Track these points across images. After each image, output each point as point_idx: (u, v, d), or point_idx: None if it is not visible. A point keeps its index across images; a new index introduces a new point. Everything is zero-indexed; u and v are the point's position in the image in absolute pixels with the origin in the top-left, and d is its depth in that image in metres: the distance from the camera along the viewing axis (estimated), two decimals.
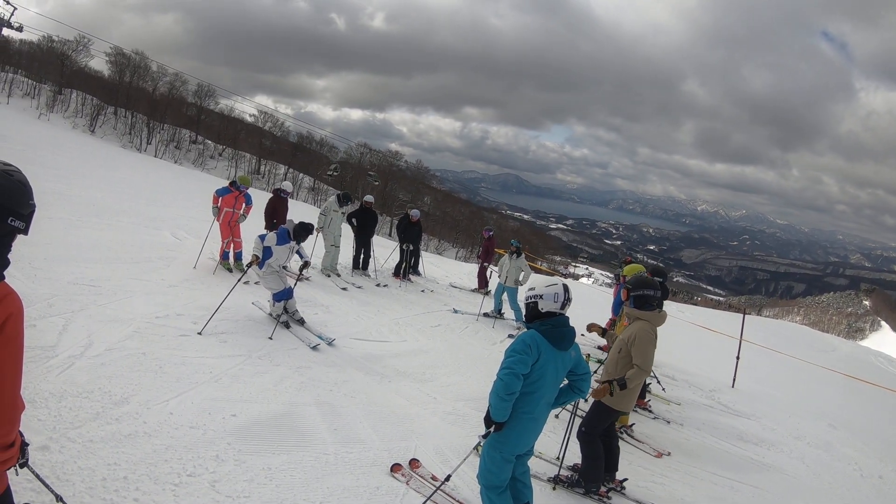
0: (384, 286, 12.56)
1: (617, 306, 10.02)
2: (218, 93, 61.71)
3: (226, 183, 11.08)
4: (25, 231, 2.17)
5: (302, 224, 8.18)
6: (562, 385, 4.08)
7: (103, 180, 20.85)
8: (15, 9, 22.29)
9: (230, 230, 10.43)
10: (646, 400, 8.03)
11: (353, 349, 7.94)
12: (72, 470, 3.98)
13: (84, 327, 6.40)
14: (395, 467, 4.95)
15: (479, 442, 3.99)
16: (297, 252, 8.38)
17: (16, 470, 2.46)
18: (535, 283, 4.04)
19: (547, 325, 3.85)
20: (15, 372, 2.06)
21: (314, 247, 12.30)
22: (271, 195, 12.22)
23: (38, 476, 3.10)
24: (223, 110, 64.08)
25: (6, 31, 22.97)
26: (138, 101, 57.18)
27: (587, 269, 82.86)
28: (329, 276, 11.99)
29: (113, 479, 3.98)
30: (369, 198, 13.63)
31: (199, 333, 7.00)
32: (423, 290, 13.07)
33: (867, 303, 75.84)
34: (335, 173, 50.36)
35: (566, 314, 3.97)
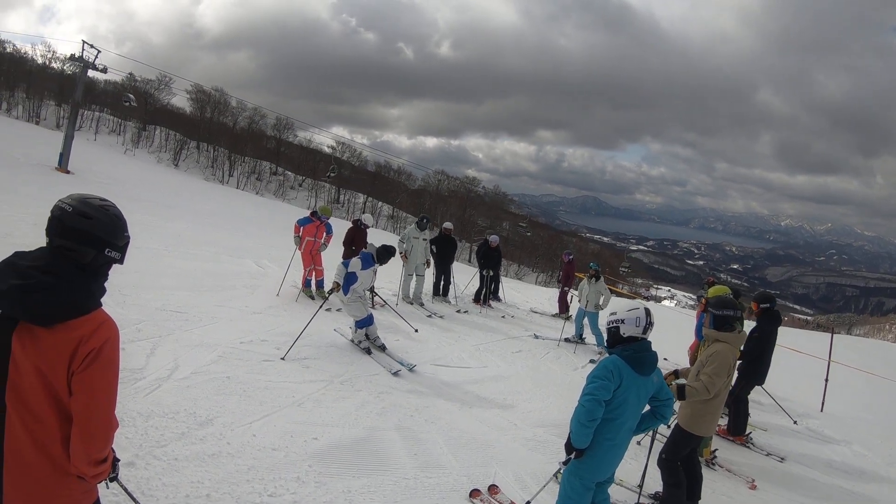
0: (465, 312, 12.66)
1: (700, 330, 9.69)
2: (296, 125, 64.61)
3: (307, 213, 11.53)
4: (121, 261, 2.38)
5: (385, 247, 8.43)
6: (644, 411, 4.10)
7: (188, 212, 22.17)
8: (99, 51, 24.30)
9: (311, 258, 10.84)
10: (747, 434, 7.67)
11: (434, 375, 8.04)
12: (156, 486, 4.21)
13: (171, 351, 6.79)
14: (474, 493, 4.99)
15: (560, 468, 4.03)
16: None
17: (106, 484, 2.62)
18: (617, 308, 4.10)
19: (629, 350, 3.90)
20: (111, 392, 2.23)
21: (401, 275, 12.61)
22: (351, 225, 12.57)
23: (126, 490, 3.31)
24: (301, 142, 66.92)
25: (91, 73, 25.04)
26: (219, 135, 60.55)
27: (669, 290, 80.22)
28: (412, 303, 12.17)
29: (196, 497, 4.18)
30: (448, 225, 13.82)
31: (283, 359, 7.29)
32: (503, 316, 13.09)
33: None
34: (333, 174, 51.06)
35: (648, 338, 4.02)
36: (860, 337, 42.51)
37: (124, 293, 8.39)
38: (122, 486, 3.17)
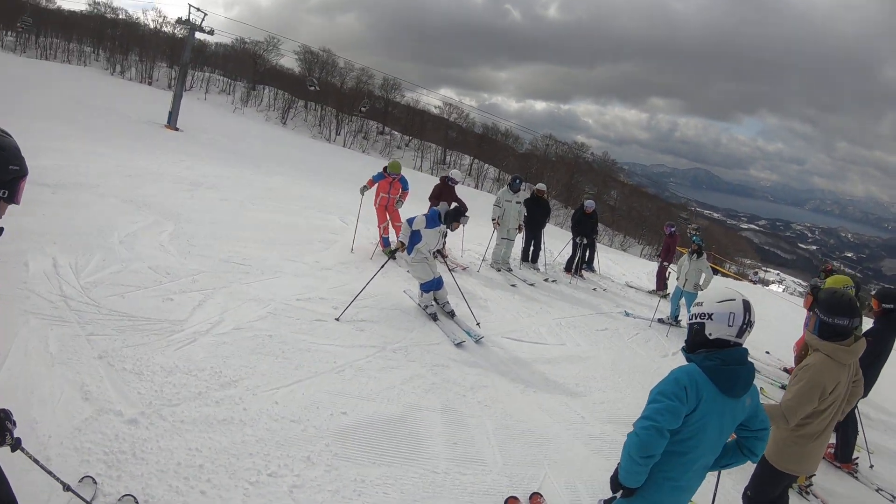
0: (553, 281, 11.80)
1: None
2: (403, 86, 64.50)
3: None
4: (8, 198, 2.25)
5: (456, 209, 7.76)
6: (727, 441, 3.05)
7: (287, 167, 22.45)
8: (205, 14, 25.27)
9: (386, 214, 10.34)
10: (854, 460, 6.32)
11: (502, 350, 7.31)
12: (151, 449, 3.87)
13: (220, 305, 6.50)
14: (510, 501, 4.24)
15: None
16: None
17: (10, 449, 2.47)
18: (705, 297, 3.02)
19: (715, 359, 2.85)
20: None
21: (490, 239, 11.92)
22: (438, 181, 11.96)
23: (32, 458, 2.83)
24: (409, 102, 66.66)
25: (200, 35, 26.20)
26: (327, 94, 61.05)
27: (778, 274, 74.80)
28: (500, 269, 11.52)
29: (188, 466, 3.79)
30: (541, 186, 12.96)
31: (337, 319, 6.82)
32: (594, 289, 12.20)
33: None
34: (365, 108, 50.31)
35: (744, 345, 2.93)
36: None
37: (193, 243, 8.29)
38: (27, 454, 2.71)
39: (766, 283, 58.52)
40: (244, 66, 60.87)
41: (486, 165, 63.51)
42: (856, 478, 6.16)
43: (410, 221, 7.55)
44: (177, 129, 22.78)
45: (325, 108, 60.68)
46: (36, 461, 2.75)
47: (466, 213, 7.90)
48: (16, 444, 2.48)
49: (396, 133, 64.01)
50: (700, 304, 2.99)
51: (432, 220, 7.57)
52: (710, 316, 2.91)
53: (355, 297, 7.18)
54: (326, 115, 60.78)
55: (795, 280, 72.88)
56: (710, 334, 2.91)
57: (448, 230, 7.85)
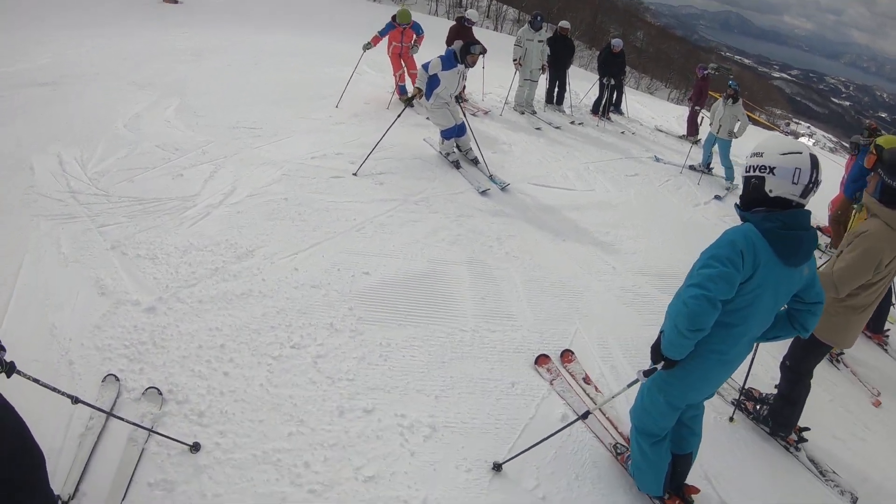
0: (579, 124, 11.14)
1: (851, 185, 7.59)
2: None
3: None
4: None
5: (468, 44, 7.10)
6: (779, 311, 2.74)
7: (296, 20, 21.21)
8: None
9: (400, 62, 9.66)
10: (885, 331, 5.98)
11: (529, 196, 6.94)
12: (171, 335, 3.72)
13: (232, 173, 6.19)
14: (542, 359, 4.04)
15: (638, 380, 2.76)
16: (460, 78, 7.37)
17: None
18: (765, 147, 2.54)
19: (776, 220, 2.45)
20: None
21: (512, 81, 11.16)
22: (454, 23, 11.07)
23: (32, 378, 2.56)
24: None
25: None
26: None
27: (809, 127, 72.07)
28: (523, 112, 10.92)
29: (209, 347, 3.64)
30: (565, 23, 11.92)
31: (355, 174, 6.48)
32: (623, 132, 11.50)
33: None
34: None
35: (808, 206, 2.53)
36: None
37: (199, 114, 7.84)
38: (25, 376, 2.45)
39: (796, 135, 56.71)
40: None
41: (505, 7, 60.30)
42: (885, 349, 5.91)
43: (426, 66, 6.96)
44: (176, 2, 21.53)
45: None
46: (36, 381, 2.54)
47: (479, 44, 7.24)
48: (10, 369, 2.28)
49: None
50: (759, 154, 2.53)
51: (448, 60, 6.96)
52: (772, 170, 2.46)
53: (372, 149, 6.77)
54: None
55: (826, 135, 71.01)
56: (770, 191, 2.48)
57: (466, 69, 7.27)
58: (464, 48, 6.99)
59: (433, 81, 6.98)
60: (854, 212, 6.39)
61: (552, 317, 4.64)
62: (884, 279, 3.59)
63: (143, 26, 14.07)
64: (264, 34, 15.71)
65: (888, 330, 6.06)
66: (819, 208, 8.80)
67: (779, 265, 2.47)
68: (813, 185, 2.45)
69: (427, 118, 8.30)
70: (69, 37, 11.62)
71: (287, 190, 5.89)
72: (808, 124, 75.13)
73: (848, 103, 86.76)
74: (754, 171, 2.53)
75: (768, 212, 2.48)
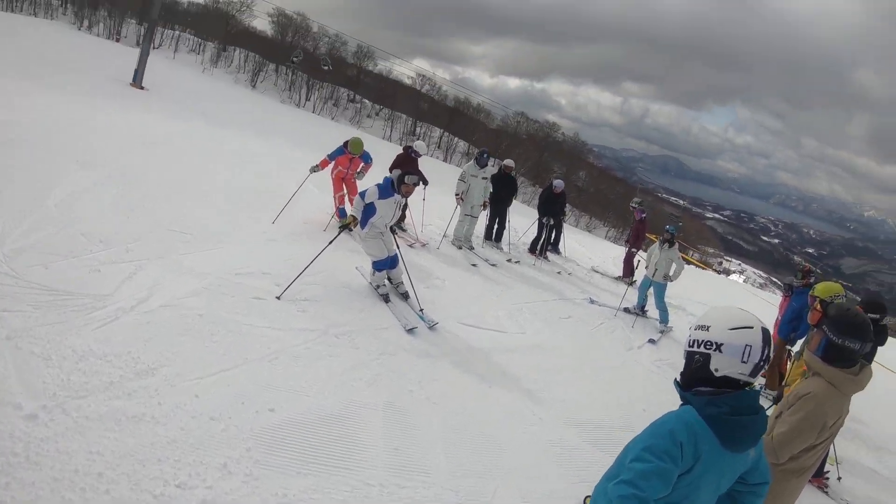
0: (516, 262, 11.32)
1: (786, 326, 7.97)
2: (377, 54, 64.14)
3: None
4: None
5: (405, 173, 7.19)
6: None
7: (251, 129, 21.46)
8: None
9: (342, 186, 9.73)
10: (825, 474, 5.97)
11: (458, 337, 6.83)
12: (48, 451, 3.35)
13: (152, 277, 5.95)
14: None
15: None
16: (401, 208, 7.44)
17: None
18: (712, 320, 2.31)
19: (722, 405, 2.19)
20: None
21: (452, 214, 11.33)
22: (400, 151, 11.30)
23: None
24: (382, 72, 65.98)
25: None
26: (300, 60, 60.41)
27: (740, 265, 77.41)
28: (461, 247, 11.05)
29: (86, 473, 3.28)
30: (509, 162, 12.42)
31: (278, 298, 6.28)
32: (559, 272, 11.65)
33: None
34: (297, 58, 49.95)
35: (756, 384, 2.33)
36: None
37: (134, 207, 7.68)
38: None
39: (727, 272, 60.33)
40: (216, 26, 59.08)
41: (456, 139, 63.39)
42: (826, 493, 5.86)
43: (363, 195, 6.99)
44: (142, 88, 21.63)
45: (296, 73, 59.55)
46: None
47: (415, 175, 7.32)
48: None
49: (367, 101, 63.29)
50: (705, 327, 2.31)
51: (385, 189, 7.02)
52: (718, 346, 2.24)
53: (300, 273, 6.60)
54: (297, 80, 59.73)
55: (756, 271, 75.64)
56: (716, 370, 2.24)
57: (404, 200, 7.34)
58: (400, 178, 7.06)
59: (369, 210, 6.97)
60: (792, 361, 6.41)
61: (471, 472, 4.37)
62: (827, 439, 3.41)
63: (106, 106, 14.00)
64: (226, 133, 15.84)
65: (828, 471, 5.98)
66: None
67: (723, 454, 2.21)
68: (764, 362, 2.22)
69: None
70: (29, 102, 11.46)
71: (205, 305, 5.64)
72: (740, 261, 79.69)
73: (777, 241, 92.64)
74: (698, 346, 2.29)
75: (714, 395, 2.23)
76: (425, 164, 11.38)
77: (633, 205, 13.60)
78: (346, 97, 62.14)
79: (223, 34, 59.11)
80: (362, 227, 7.05)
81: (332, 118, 57.25)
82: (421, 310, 7.12)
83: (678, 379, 2.41)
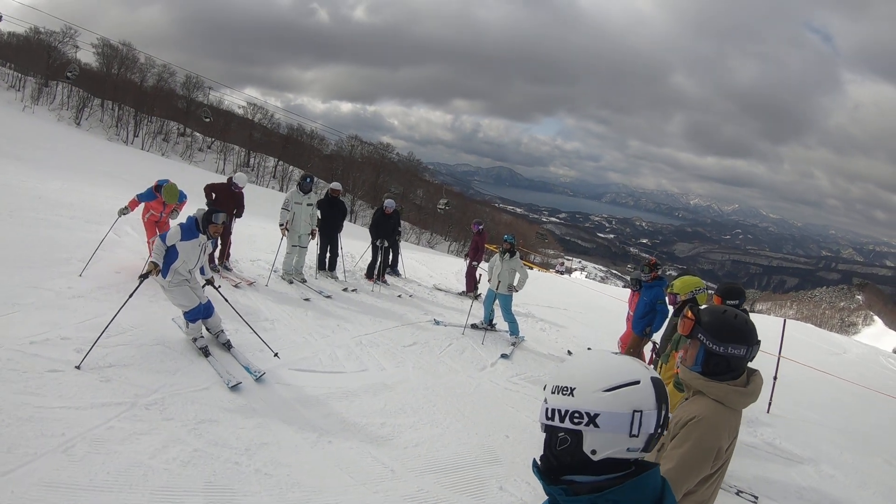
0: (353, 291, 10.80)
1: (639, 322, 8.09)
2: (207, 84, 62.58)
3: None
4: None
5: (210, 210, 6.50)
6: None
7: (70, 172, 19.58)
8: None
9: (156, 230, 8.76)
10: None
11: (290, 386, 6.20)
12: None
13: None
14: None
15: None
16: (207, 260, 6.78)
17: None
18: (577, 379, 1.55)
19: (609, 499, 1.48)
20: None
21: (279, 247, 10.64)
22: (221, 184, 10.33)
23: None
24: (212, 102, 64.22)
25: None
26: (126, 92, 57.04)
27: (580, 262, 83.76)
28: (291, 281, 10.35)
29: None
30: (336, 185, 11.83)
31: (78, 367, 5.38)
32: (399, 296, 11.30)
33: (860, 297, 73.86)
34: (73, 74, 49.68)
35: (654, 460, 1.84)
36: (764, 314, 42.40)
37: None
38: None
39: (570, 270, 64.06)
40: (37, 59, 54.27)
41: (291, 167, 62.85)
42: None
43: (164, 237, 6.26)
44: None
45: (123, 108, 56.24)
46: None
47: (223, 213, 6.61)
48: None
49: (198, 134, 61.20)
50: (567, 390, 1.54)
51: (189, 230, 6.32)
52: (593, 419, 1.49)
53: (100, 334, 5.73)
54: (124, 115, 56.36)
55: (596, 266, 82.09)
56: (593, 452, 1.50)
57: (209, 241, 6.62)
58: (206, 216, 6.39)
59: (171, 255, 6.24)
60: (659, 362, 6.09)
61: None
62: (723, 465, 2.77)
63: None
64: (33, 180, 14.09)
65: None
66: (610, 342, 9.17)
67: None
68: (662, 428, 1.52)
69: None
70: None
71: None
72: (580, 259, 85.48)
73: (612, 236, 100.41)
74: (561, 419, 1.53)
75: (598, 489, 1.49)
76: (258, 195, 10.68)
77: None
78: (176, 131, 59.75)
79: (45, 68, 54.57)
80: (163, 275, 6.27)
81: (163, 154, 54.60)
82: (246, 364, 6.42)
83: (538, 462, 1.64)
